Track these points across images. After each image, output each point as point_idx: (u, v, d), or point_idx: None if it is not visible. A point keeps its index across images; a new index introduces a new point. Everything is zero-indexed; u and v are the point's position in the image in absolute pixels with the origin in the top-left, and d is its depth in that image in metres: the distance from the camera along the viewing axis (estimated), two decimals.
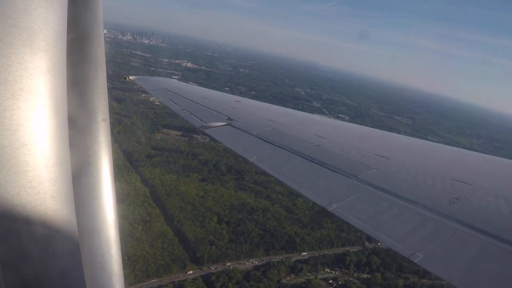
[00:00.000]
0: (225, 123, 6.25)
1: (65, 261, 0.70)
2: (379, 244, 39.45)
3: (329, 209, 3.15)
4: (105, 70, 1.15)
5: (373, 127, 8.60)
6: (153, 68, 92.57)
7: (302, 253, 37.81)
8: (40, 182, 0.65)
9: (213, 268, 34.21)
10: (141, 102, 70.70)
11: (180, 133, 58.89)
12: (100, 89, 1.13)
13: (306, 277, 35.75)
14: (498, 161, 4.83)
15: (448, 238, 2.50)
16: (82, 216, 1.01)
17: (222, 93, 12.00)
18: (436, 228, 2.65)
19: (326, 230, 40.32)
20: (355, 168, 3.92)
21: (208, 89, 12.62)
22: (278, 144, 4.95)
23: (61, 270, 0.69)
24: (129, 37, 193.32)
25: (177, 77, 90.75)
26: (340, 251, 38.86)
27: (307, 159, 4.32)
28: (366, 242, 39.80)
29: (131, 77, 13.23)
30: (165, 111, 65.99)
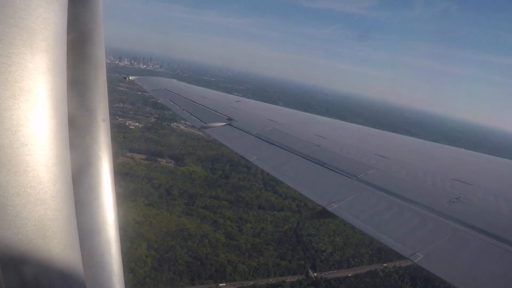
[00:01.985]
0: (225, 123, 6.25)
1: (65, 261, 0.70)
2: (325, 273, 36.62)
3: (329, 209, 3.15)
4: (105, 70, 1.16)
5: None
6: (140, 93, 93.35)
7: (220, 284, 33.76)
8: (40, 182, 0.65)
9: None
10: (115, 126, 68.64)
11: (144, 157, 57.17)
12: (100, 89, 1.13)
13: None
14: (498, 161, 4.83)
15: (448, 238, 2.50)
16: (82, 216, 1.01)
17: (222, 93, 12.02)
18: (436, 228, 2.65)
19: (265, 258, 37.33)
20: (355, 168, 3.92)
21: (209, 89, 12.62)
22: (278, 144, 4.95)
23: (61, 270, 0.69)
24: (126, 62, 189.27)
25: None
26: (275, 281, 35.16)
27: (307, 159, 4.32)
28: (310, 271, 36.75)
29: (131, 77, 13.26)
30: (135, 135, 64.11)
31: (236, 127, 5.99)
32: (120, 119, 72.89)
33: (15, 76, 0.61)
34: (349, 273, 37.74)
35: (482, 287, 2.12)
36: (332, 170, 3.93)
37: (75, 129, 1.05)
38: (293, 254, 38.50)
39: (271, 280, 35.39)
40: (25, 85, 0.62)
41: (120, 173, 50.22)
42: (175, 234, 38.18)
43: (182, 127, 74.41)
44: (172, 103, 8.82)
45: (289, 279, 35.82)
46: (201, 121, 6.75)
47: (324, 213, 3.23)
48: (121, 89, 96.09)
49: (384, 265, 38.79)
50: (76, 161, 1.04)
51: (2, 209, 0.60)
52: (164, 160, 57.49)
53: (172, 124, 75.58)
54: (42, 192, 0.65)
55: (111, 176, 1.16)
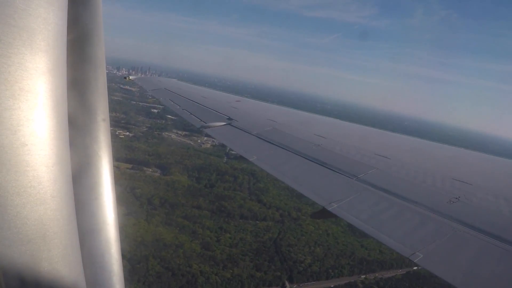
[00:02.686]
0: (225, 123, 6.25)
1: (65, 261, 0.70)
2: (302, 284, 35.28)
3: (329, 209, 3.15)
4: (105, 70, 1.16)
5: None
6: (134, 102, 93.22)
7: None
8: (40, 182, 0.65)
9: None
10: None
11: (131, 166, 55.76)
12: (100, 89, 1.13)
13: None
14: (498, 161, 4.83)
15: (448, 238, 2.50)
16: (82, 216, 1.01)
17: (223, 93, 12.01)
18: (436, 228, 2.65)
19: (240, 269, 35.38)
20: (355, 168, 3.92)
21: (209, 89, 12.62)
22: (278, 143, 4.96)
23: (61, 270, 0.69)
24: (124, 72, 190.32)
25: (156, 111, 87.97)
26: None
27: (307, 159, 4.32)
28: (286, 283, 35.22)
29: (131, 77, 13.28)
30: (124, 144, 62.83)
31: (236, 127, 5.99)
32: (111, 128, 72.61)
33: (15, 76, 0.61)
34: (328, 284, 36.32)
35: (482, 287, 2.12)
36: (332, 170, 3.93)
37: (75, 129, 1.05)
38: (270, 265, 36.96)
39: None
40: (25, 85, 0.62)
41: None
42: (150, 244, 36.98)
43: (173, 136, 73.82)
44: (172, 102, 8.82)
45: None
46: (201, 120, 6.76)
47: (324, 213, 3.23)
48: (116, 98, 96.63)
49: (363, 276, 37.40)
50: (76, 161, 1.04)
51: (2, 209, 0.60)
52: (150, 169, 56.23)
53: (163, 133, 74.85)
54: (42, 192, 0.65)
55: (111, 176, 1.16)
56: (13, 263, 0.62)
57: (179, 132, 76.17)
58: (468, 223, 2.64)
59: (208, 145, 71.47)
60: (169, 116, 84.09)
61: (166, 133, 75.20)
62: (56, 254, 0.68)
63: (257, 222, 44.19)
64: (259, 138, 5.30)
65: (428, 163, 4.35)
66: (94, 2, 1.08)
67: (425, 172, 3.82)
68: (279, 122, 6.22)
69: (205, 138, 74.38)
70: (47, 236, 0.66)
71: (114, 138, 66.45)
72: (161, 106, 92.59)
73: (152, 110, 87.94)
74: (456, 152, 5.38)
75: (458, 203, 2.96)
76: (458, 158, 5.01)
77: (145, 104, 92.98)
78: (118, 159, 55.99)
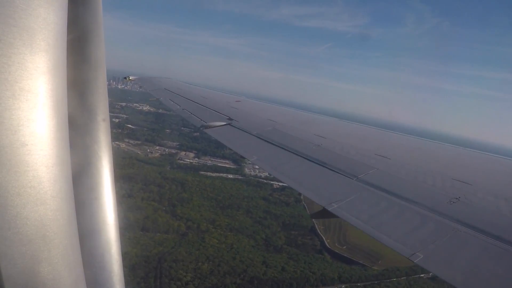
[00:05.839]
0: (225, 123, 6.26)
1: (65, 261, 0.70)
2: None
3: (329, 209, 3.15)
4: (105, 70, 1.16)
5: None
6: None
7: None
8: (40, 182, 0.65)
9: None
10: None
11: None
12: (100, 89, 1.13)
13: None
14: (498, 161, 4.83)
15: (448, 238, 2.50)
16: (82, 216, 1.01)
17: (223, 93, 12.02)
18: (436, 228, 2.65)
19: None
20: (355, 168, 3.92)
21: (209, 89, 12.62)
22: (278, 144, 4.96)
23: (61, 270, 0.69)
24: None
25: (118, 120, 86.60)
26: None
27: (307, 159, 4.32)
28: None
29: (131, 77, 13.30)
30: None
31: (236, 127, 6.00)
32: None
33: (15, 76, 0.61)
34: None
35: (482, 287, 2.12)
36: (332, 170, 3.93)
37: (75, 129, 1.05)
38: (140, 282, 33.47)
39: None
40: (25, 85, 0.62)
41: None
42: None
43: (123, 145, 72.11)
44: (173, 102, 8.83)
45: None
46: (201, 120, 6.76)
47: (324, 213, 3.23)
48: None
49: None
50: (76, 161, 1.03)
51: (2, 209, 0.60)
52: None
53: (114, 142, 74.10)
54: (42, 192, 0.65)
55: (111, 176, 1.16)
56: (13, 263, 0.62)
57: (131, 142, 75.32)
58: (468, 223, 2.64)
59: (157, 155, 70.45)
60: (129, 126, 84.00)
61: (116, 142, 72.91)
62: (56, 255, 0.68)
63: (157, 234, 41.01)
64: (259, 138, 5.31)
65: (428, 163, 4.34)
66: (94, 2, 1.08)
67: (425, 172, 3.82)
68: (279, 122, 6.22)
69: (157, 147, 73.94)
70: (47, 237, 0.66)
71: None
72: (124, 116, 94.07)
73: (113, 120, 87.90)
74: (456, 152, 5.38)
75: (458, 203, 2.96)
76: (458, 158, 5.01)
77: (110, 114, 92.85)
78: None
